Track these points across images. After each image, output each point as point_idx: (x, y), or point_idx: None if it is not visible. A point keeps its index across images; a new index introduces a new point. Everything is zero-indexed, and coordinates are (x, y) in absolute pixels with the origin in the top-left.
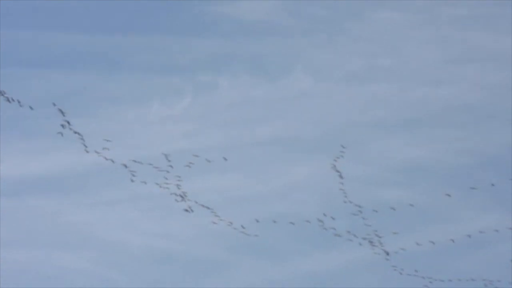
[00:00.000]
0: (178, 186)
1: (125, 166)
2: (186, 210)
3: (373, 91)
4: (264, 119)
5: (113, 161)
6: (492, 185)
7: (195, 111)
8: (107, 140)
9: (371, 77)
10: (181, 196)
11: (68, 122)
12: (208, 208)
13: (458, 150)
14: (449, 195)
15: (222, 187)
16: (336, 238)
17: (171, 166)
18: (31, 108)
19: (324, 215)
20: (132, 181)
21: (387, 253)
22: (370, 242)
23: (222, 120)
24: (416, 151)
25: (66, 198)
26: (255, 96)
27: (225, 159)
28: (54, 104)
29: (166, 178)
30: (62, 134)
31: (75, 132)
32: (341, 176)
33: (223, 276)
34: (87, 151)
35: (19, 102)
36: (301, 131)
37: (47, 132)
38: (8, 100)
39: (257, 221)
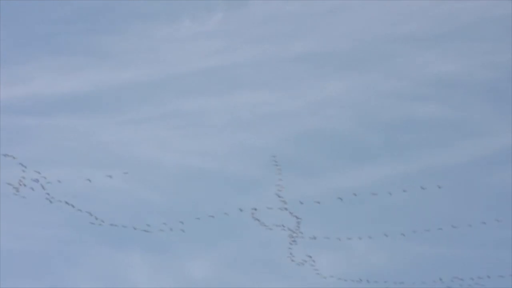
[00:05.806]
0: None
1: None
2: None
3: (404, 5)
4: (296, 34)
5: None
6: None
7: (227, 27)
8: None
9: None
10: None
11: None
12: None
13: (488, 63)
14: None
15: (254, 103)
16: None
17: None
18: None
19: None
20: None
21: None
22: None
23: (254, 36)
24: (447, 65)
25: (98, 116)
26: (287, 11)
27: (126, 173)
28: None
29: None
30: None
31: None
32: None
33: (257, 193)
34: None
35: None
36: (333, 46)
37: (78, 49)
38: None
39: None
